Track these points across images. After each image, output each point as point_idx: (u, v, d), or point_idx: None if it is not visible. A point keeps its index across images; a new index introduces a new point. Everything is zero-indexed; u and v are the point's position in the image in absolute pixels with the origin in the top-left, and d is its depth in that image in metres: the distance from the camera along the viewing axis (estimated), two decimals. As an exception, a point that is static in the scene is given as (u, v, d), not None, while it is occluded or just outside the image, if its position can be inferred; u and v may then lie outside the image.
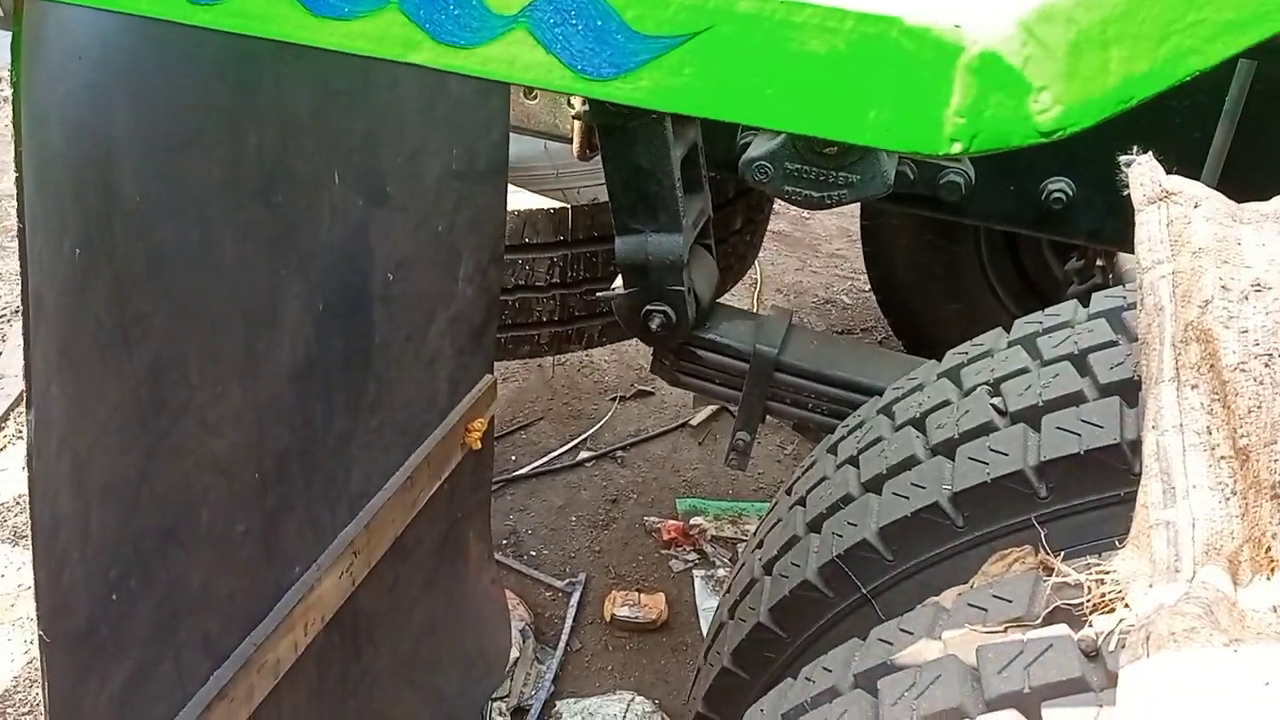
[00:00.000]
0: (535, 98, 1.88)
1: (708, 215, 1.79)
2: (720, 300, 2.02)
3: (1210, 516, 0.91)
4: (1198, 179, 1.17)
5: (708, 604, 2.78)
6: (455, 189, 1.53)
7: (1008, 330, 1.46)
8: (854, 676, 1.08)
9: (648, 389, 3.52)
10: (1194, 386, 0.98)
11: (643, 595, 2.74)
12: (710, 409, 3.36)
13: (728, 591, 1.59)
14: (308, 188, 1.18)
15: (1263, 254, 1.03)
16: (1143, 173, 1.17)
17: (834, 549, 1.32)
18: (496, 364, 1.98)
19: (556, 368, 3.60)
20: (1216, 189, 1.14)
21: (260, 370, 1.17)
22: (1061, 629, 0.95)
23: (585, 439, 3.28)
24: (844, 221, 4.37)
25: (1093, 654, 0.92)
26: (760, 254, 3.21)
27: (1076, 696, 0.87)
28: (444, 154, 1.48)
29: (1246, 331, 0.96)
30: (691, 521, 2.98)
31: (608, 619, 2.68)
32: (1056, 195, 1.70)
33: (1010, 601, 1.03)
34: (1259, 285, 1.00)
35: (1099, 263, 2.85)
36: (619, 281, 1.77)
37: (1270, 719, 0.70)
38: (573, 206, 1.98)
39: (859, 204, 3.46)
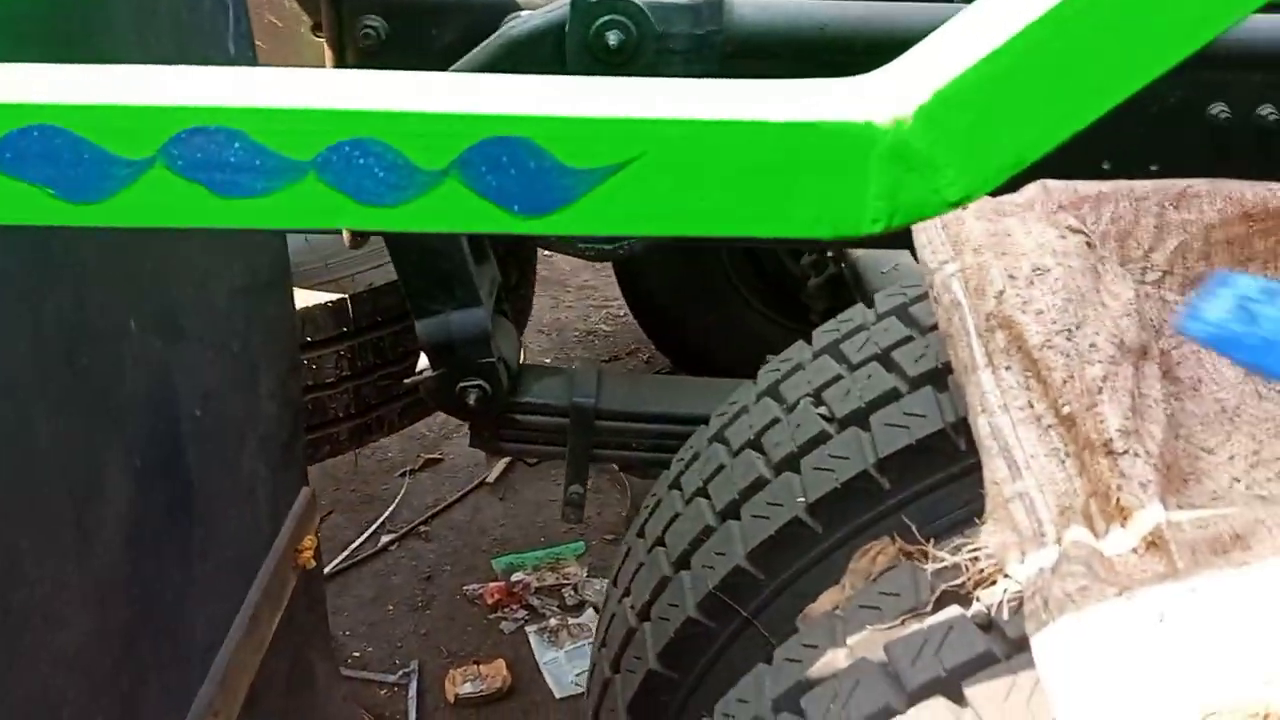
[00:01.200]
0: (293, 194, 1.80)
1: (498, 281, 1.79)
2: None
3: (1053, 480, 1.03)
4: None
5: (548, 656, 2.77)
6: (244, 305, 1.46)
7: (809, 342, 1.57)
8: (772, 701, 1.13)
9: (435, 456, 3.45)
10: (1007, 368, 1.11)
11: (482, 666, 2.69)
12: (504, 461, 3.34)
13: (603, 646, 1.60)
14: (109, 341, 1.09)
15: (1031, 240, 1.17)
16: (910, 183, 1.29)
17: (709, 581, 1.37)
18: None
19: (334, 457, 3.45)
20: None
21: (94, 547, 1.07)
22: (954, 610, 1.04)
23: (383, 522, 3.18)
24: (585, 253, 4.47)
25: (987, 626, 1.01)
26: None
27: (991, 669, 0.96)
28: (229, 273, 1.40)
29: (1042, 312, 1.09)
30: (513, 579, 2.96)
31: (451, 700, 2.61)
32: (813, 207, 1.82)
33: (899, 595, 1.12)
34: (1039, 268, 1.14)
35: (830, 254, 3.09)
36: (423, 363, 1.74)
37: (1176, 648, 0.80)
38: (351, 295, 1.93)
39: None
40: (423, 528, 3.17)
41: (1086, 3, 0.53)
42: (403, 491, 3.28)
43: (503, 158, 0.54)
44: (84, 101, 0.52)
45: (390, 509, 3.21)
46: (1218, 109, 1.71)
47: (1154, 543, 0.92)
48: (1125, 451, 0.97)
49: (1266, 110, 1.72)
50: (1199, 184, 1.23)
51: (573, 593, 2.96)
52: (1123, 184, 1.26)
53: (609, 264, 3.61)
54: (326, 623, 1.87)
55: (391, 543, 3.10)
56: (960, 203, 0.58)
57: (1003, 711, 0.92)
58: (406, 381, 1.73)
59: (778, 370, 1.56)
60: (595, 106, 0.54)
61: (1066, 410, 1.03)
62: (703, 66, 1.51)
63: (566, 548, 3.09)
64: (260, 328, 1.53)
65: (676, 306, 3.38)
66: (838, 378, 1.43)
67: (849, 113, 0.55)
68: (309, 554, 1.65)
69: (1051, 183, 1.27)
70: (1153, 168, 1.74)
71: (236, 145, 0.54)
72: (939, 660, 0.99)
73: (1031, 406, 1.08)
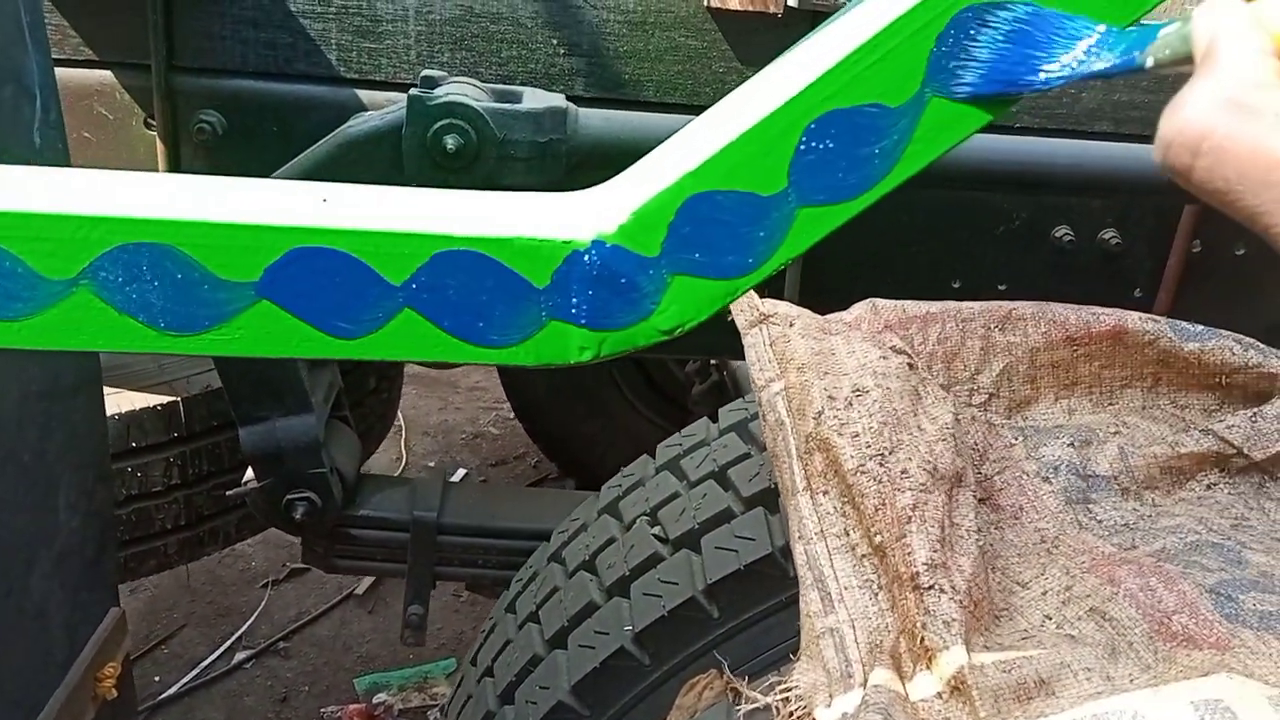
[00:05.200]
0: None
1: (338, 386, 1.71)
2: (370, 453, 1.93)
3: (865, 614, 0.98)
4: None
5: (407, 785, 2.60)
6: (40, 414, 1.35)
7: (653, 455, 1.51)
8: None
9: (301, 565, 3.28)
10: (825, 493, 1.06)
11: (334, 797, 2.52)
12: (374, 574, 3.19)
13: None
14: None
15: (854, 360, 1.14)
16: (741, 300, 1.26)
17: (531, 718, 1.27)
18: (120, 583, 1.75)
19: (192, 564, 3.26)
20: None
21: None
22: (763, 756, 0.97)
23: (239, 637, 3.00)
24: (476, 356, 4.39)
25: (795, 774, 0.94)
26: (400, 400, 3.14)
27: (792, 825, 0.88)
28: (21, 379, 1.30)
29: (858, 435, 1.05)
30: (375, 700, 2.80)
31: (299, 834, 2.43)
32: (670, 318, 1.79)
33: (711, 738, 1.04)
34: (858, 390, 1.10)
35: (714, 362, 3.08)
36: (250, 474, 1.64)
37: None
38: (184, 398, 1.82)
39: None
40: (282, 644, 2.99)
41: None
42: (263, 604, 3.11)
43: (142, 266, 0.48)
44: None
45: (248, 623, 3.03)
46: (1062, 232, 1.74)
47: (957, 687, 0.86)
48: (931, 587, 0.92)
49: (1109, 234, 1.75)
50: (1024, 307, 1.22)
51: (439, 715, 2.80)
52: (950, 305, 1.24)
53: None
54: (137, 757, 1.71)
55: (247, 660, 2.92)
56: (674, 330, 0.53)
57: None
58: (229, 494, 1.62)
59: (619, 486, 1.50)
60: (255, 210, 0.49)
61: (878, 540, 0.99)
62: (546, 175, 1.48)
63: (436, 666, 2.95)
64: (61, 436, 1.42)
65: (562, 411, 3.32)
66: (675, 495, 1.37)
67: (550, 228, 0.50)
68: (110, 683, 1.51)
69: (880, 301, 1.25)
70: (1001, 287, 1.76)
71: None
72: (743, 814, 0.92)
73: (848, 535, 1.03)
